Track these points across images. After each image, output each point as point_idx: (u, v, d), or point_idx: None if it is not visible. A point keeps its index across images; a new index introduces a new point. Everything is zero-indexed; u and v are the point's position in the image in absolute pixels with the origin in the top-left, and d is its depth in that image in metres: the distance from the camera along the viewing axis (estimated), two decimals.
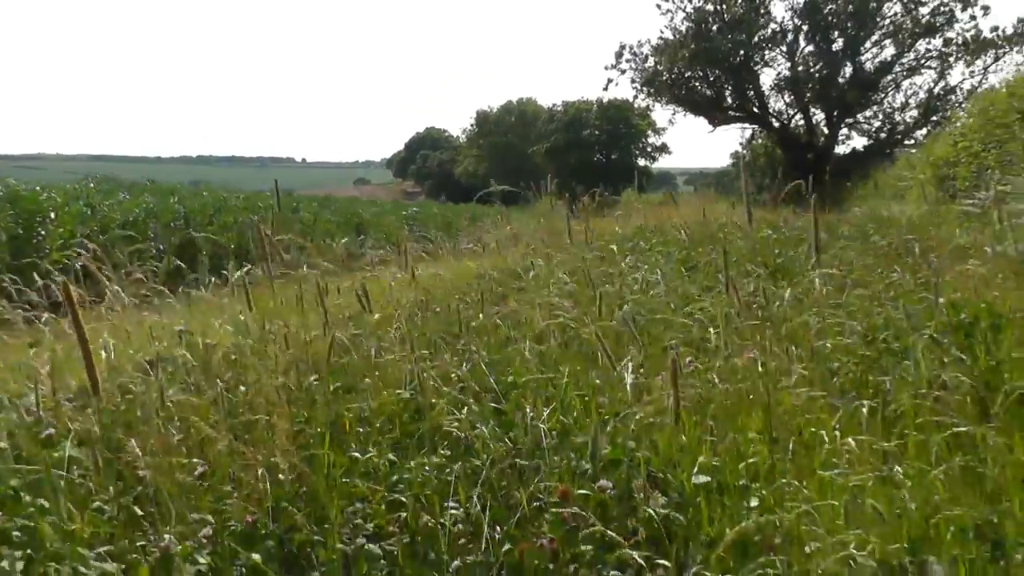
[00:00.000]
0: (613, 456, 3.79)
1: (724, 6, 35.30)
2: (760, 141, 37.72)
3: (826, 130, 36.10)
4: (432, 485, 3.78)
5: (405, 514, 3.61)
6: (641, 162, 58.99)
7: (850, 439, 3.52)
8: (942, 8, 34.48)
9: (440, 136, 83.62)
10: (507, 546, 3.31)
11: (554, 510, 3.41)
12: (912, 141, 33.99)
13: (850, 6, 34.69)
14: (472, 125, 73.65)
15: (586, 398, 4.50)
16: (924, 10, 34.68)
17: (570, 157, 55.92)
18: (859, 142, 37.07)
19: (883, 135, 35.59)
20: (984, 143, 15.82)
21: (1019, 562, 2.91)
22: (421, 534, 3.48)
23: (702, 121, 38.30)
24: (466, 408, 4.29)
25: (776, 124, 36.30)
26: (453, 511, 3.55)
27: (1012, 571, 2.90)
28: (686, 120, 38.18)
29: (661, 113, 36.55)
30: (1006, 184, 10.41)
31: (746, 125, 37.45)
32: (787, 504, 3.31)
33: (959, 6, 34.28)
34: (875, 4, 34.91)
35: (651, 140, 59.38)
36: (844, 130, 36.28)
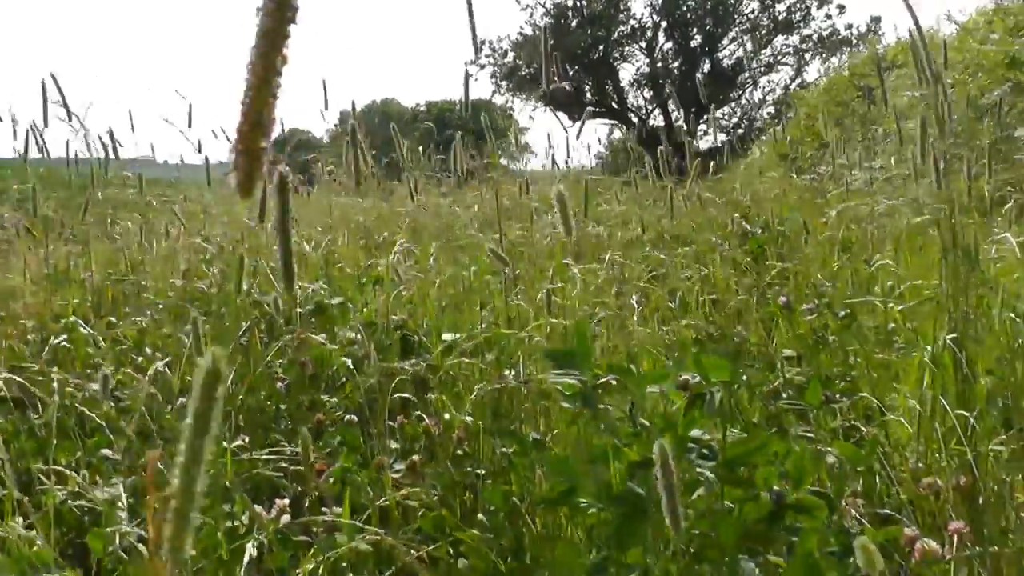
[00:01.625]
0: (367, 319, 3.76)
1: (584, 2, 35.56)
2: (621, 136, 38.01)
3: (685, 126, 36.49)
4: (182, 346, 3.71)
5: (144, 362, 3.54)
6: (504, 162, 58.87)
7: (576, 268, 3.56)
8: (799, 5, 35.20)
9: (304, 137, 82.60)
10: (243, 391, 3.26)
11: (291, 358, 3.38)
12: (768, 137, 34.59)
13: (708, 3, 35.23)
14: (336, 126, 72.99)
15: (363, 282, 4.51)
16: (781, 7, 35.39)
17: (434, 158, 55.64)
18: (718, 138, 37.58)
19: (741, 131, 36.13)
20: (825, 121, 16.08)
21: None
22: (162, 387, 3.41)
23: (563, 119, 38.41)
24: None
25: (635, 120, 36.60)
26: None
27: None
28: (546, 117, 38.16)
29: (521, 109, 36.70)
30: (843, 158, 10.58)
31: (606, 121, 37.73)
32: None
33: (815, 4, 35.05)
34: (733, 1, 35.50)
35: (513, 140, 59.36)
36: (703, 126, 36.74)
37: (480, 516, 2.55)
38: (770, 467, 1.92)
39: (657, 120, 36.75)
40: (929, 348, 2.93)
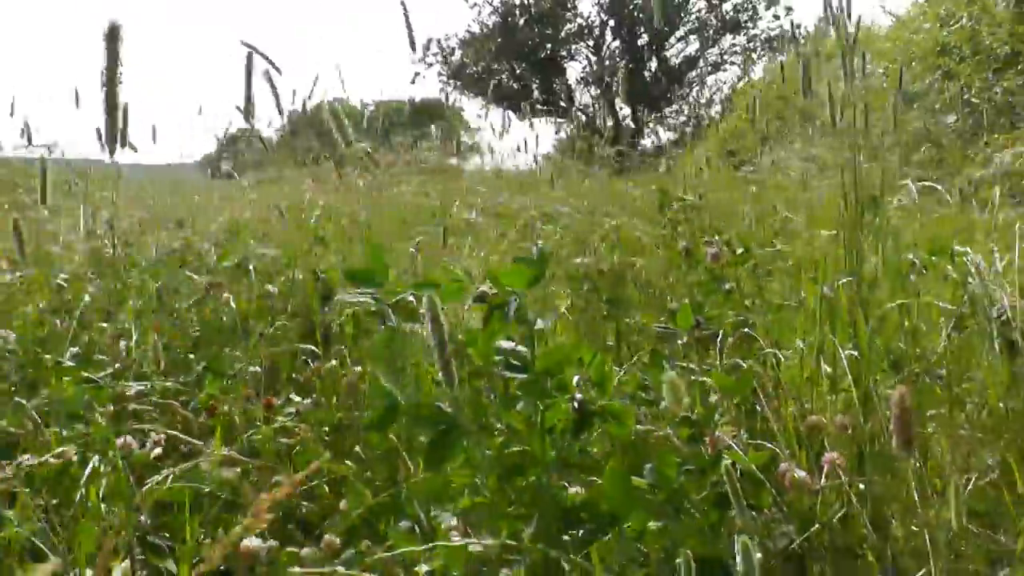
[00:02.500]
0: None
1: (531, 0, 35.53)
2: (569, 136, 37.91)
3: (632, 124, 36.57)
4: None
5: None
6: (454, 162, 58.72)
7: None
8: (746, 5, 35.34)
9: (254, 136, 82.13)
10: None
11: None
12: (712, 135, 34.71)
13: (652, 1, 35.26)
14: (284, 125, 72.66)
15: None
16: (728, 7, 35.52)
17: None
18: (665, 136, 37.65)
19: (688, 129, 36.18)
20: (765, 114, 16.24)
21: None
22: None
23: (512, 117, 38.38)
24: None
25: (583, 118, 36.56)
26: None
27: None
28: (494, 115, 38.13)
29: (470, 108, 36.54)
30: (781, 150, 10.67)
31: (553, 119, 37.66)
32: None
33: (763, 4, 35.19)
34: (680, 0, 35.57)
35: (464, 139, 59.27)
36: (651, 125, 36.79)
37: (357, 449, 2.54)
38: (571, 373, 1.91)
39: (604, 117, 36.69)
40: (823, 291, 2.95)
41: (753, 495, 2.20)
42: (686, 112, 36.77)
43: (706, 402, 2.46)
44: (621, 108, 36.28)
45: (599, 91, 36.50)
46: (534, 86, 36.80)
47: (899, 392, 1.62)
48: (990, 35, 9.92)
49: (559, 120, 36.96)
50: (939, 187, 3.78)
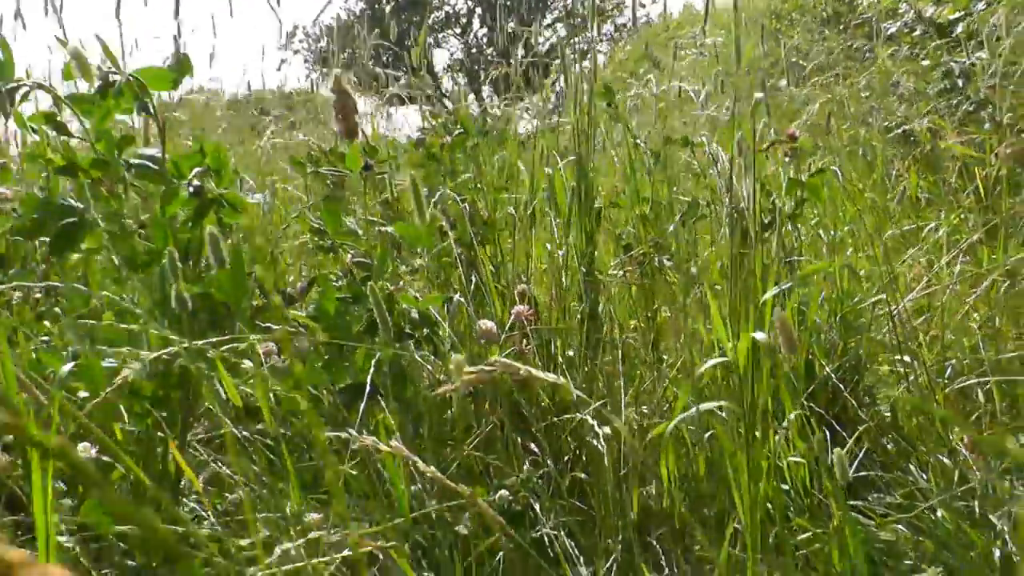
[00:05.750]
0: None
1: None
2: (437, 123, 37.84)
3: (499, 112, 36.58)
4: None
5: None
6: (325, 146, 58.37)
7: None
8: None
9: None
10: None
11: None
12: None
13: None
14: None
15: None
16: None
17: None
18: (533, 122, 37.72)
19: (557, 116, 36.34)
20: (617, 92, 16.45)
21: None
22: None
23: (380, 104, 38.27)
24: None
25: (450, 105, 36.52)
26: None
27: None
28: (362, 103, 37.94)
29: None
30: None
31: (419, 106, 37.51)
32: None
33: None
34: None
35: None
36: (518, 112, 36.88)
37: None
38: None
39: (472, 106, 36.72)
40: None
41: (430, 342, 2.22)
42: (553, 100, 37.03)
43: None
44: (490, 95, 36.44)
45: (466, 78, 36.56)
46: (401, 73, 36.72)
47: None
48: None
49: (426, 107, 36.87)
50: (689, 88, 3.84)
